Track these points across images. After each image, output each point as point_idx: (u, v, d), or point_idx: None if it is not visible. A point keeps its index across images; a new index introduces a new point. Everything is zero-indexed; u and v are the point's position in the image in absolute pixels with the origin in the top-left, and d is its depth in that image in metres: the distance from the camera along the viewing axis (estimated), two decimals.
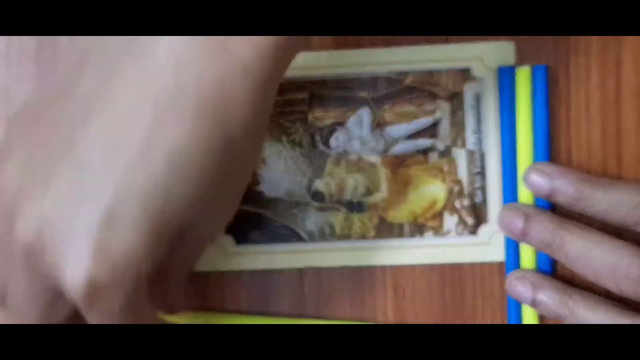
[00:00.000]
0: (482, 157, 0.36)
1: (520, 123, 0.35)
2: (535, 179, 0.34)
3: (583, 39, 0.36)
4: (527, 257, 0.35)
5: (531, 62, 0.35)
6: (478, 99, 0.36)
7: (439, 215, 0.36)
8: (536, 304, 0.34)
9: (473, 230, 0.36)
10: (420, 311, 0.36)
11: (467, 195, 0.36)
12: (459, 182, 0.36)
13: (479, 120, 0.36)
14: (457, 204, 0.36)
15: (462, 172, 0.36)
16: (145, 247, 0.25)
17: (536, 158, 0.35)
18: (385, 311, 0.36)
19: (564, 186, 0.34)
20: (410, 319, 0.36)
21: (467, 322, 0.36)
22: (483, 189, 0.36)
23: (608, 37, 0.35)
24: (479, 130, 0.36)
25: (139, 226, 0.25)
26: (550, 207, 0.35)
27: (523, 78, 0.35)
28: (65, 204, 0.25)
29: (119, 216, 0.24)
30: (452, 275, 0.36)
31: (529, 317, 0.35)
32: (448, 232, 0.36)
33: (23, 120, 0.28)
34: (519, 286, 0.35)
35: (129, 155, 0.25)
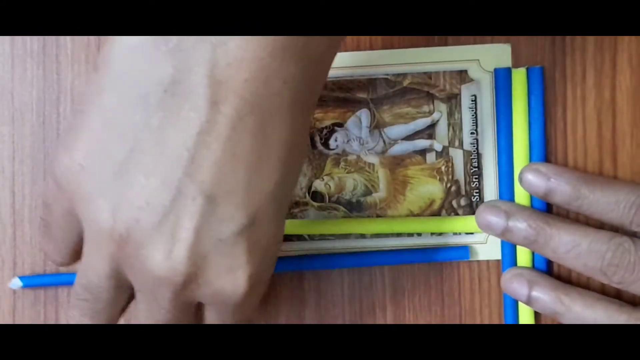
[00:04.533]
0: (479, 157, 0.36)
1: (516, 123, 0.35)
2: (531, 179, 0.34)
3: (578, 39, 0.36)
4: (524, 255, 0.36)
5: (527, 64, 0.36)
6: (475, 100, 0.36)
7: (436, 215, 0.36)
8: (531, 301, 0.35)
9: None
10: (419, 309, 0.37)
11: (464, 195, 0.36)
12: (456, 182, 0.36)
13: (475, 121, 0.36)
14: (454, 203, 0.36)
15: (459, 172, 0.36)
16: (280, 235, 0.29)
17: (532, 158, 0.35)
18: (384, 309, 0.37)
19: (560, 186, 0.34)
20: (409, 317, 0.37)
21: (465, 320, 0.36)
22: (480, 188, 0.36)
23: (603, 37, 0.36)
24: (475, 131, 0.36)
25: (274, 219, 0.28)
26: (546, 206, 0.35)
27: (519, 79, 0.35)
28: (206, 226, 0.27)
29: (260, 217, 0.27)
30: (450, 273, 0.36)
31: (525, 314, 0.36)
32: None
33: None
34: (514, 283, 0.35)
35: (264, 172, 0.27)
